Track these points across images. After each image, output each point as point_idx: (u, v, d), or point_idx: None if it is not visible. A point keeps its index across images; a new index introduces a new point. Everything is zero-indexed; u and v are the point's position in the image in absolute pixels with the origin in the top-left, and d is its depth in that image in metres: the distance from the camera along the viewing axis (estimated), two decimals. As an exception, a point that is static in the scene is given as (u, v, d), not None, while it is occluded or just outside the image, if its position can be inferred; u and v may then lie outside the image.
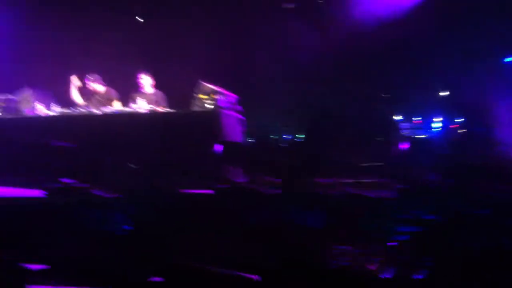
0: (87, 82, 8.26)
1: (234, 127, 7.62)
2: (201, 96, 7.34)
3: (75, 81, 8.16)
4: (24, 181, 6.23)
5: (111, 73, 8.69)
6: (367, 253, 3.96)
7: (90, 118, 7.60)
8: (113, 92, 8.32)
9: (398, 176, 5.83)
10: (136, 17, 10.75)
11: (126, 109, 7.76)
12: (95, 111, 7.71)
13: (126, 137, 7.10)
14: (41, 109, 7.93)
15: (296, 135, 9.80)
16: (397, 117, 8.79)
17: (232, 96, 7.79)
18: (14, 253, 4.01)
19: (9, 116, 7.90)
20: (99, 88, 8.29)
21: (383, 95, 9.18)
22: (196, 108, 7.33)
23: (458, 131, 8.52)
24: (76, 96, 8.20)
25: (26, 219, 4.92)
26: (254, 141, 8.44)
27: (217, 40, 9.84)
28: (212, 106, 7.24)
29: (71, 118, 7.69)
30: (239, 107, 7.89)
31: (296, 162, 7.68)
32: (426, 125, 8.63)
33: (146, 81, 8.18)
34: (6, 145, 7.48)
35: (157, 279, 4.17)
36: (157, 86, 8.28)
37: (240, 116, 7.85)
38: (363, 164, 7.85)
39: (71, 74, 8.37)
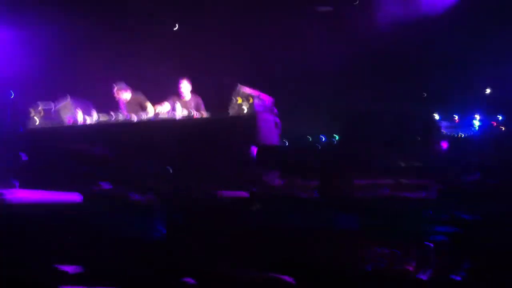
0: (114, 91, 8.35)
1: (270, 130, 7.57)
2: (238, 100, 7.32)
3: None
4: (64, 186, 6.33)
5: (148, 80, 8.77)
6: (406, 255, 3.85)
7: (128, 125, 7.69)
8: (141, 97, 8.38)
9: (438, 176, 5.66)
10: (174, 26, 10.84)
11: (163, 115, 7.82)
12: (133, 118, 7.78)
13: (164, 142, 7.16)
14: (80, 117, 8.05)
15: (333, 136, 9.66)
16: (436, 116, 8.56)
17: (269, 99, 7.75)
18: (49, 254, 4.03)
19: (49, 124, 8.07)
20: (126, 95, 8.36)
21: (422, 94, 8.95)
22: (233, 112, 7.31)
23: (499, 127, 8.25)
24: None
25: (66, 223, 4.97)
26: (289, 143, 8.34)
27: (253, 44, 9.82)
28: (249, 110, 7.21)
29: (110, 126, 7.80)
30: (275, 110, 7.84)
31: (333, 163, 7.56)
32: (465, 123, 8.38)
33: (186, 88, 8.20)
34: (47, 152, 7.64)
35: (191, 281, 4.14)
36: (195, 91, 8.29)
37: (276, 119, 7.79)
38: (402, 165, 7.66)
39: (110, 82, 8.48)
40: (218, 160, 6.90)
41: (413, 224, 4.52)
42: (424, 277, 3.80)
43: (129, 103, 8.34)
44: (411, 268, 3.91)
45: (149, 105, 8.17)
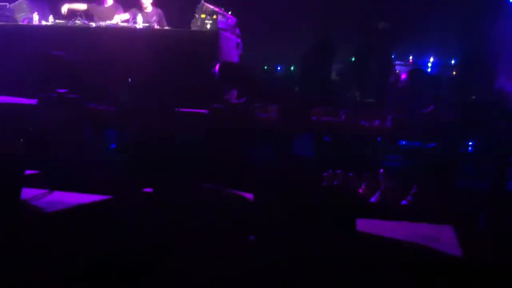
0: None
1: (231, 50, 7.52)
2: (201, 16, 7.21)
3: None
4: (18, 90, 6.19)
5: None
6: (358, 177, 3.99)
7: (86, 30, 7.47)
8: (118, 7, 8.21)
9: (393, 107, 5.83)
10: None
11: (124, 24, 7.65)
12: (92, 24, 7.59)
13: (124, 52, 7.00)
14: (36, 19, 7.77)
15: (291, 67, 9.68)
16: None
17: (232, 19, 7.65)
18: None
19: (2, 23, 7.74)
20: (110, 1, 8.15)
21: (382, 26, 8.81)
22: (195, 28, 7.20)
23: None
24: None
25: (22, 126, 4.91)
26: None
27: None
28: (212, 26, 7.12)
29: (68, 30, 7.55)
30: (238, 31, 7.76)
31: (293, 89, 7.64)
32: (420, 64, 8.53)
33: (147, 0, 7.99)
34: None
35: (148, 190, 4.21)
36: (157, 4, 8.09)
37: (238, 40, 7.73)
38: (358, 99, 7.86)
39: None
40: (176, 74, 6.84)
41: (366, 149, 4.69)
42: (373, 199, 3.98)
43: (106, 10, 8.12)
44: (360, 191, 4.07)
45: (118, 16, 7.98)
